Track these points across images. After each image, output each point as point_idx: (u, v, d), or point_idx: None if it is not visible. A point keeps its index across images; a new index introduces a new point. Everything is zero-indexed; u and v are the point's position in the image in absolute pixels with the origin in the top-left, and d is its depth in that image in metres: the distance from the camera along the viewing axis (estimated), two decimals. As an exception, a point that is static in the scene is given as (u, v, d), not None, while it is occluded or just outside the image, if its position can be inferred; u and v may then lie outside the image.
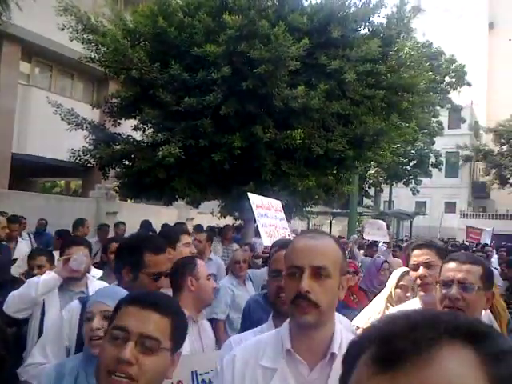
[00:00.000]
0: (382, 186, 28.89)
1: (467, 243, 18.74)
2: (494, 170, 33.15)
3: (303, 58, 8.90)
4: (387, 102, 10.26)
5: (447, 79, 27.55)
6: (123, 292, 1.98)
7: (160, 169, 8.93)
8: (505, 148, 32.48)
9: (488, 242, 16.92)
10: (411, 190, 29.50)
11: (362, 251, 10.38)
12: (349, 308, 4.73)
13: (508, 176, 32.61)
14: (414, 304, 2.64)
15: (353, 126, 9.70)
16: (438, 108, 27.48)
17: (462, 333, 0.61)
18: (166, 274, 2.49)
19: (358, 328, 2.91)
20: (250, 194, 6.42)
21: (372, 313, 3.35)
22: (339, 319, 2.29)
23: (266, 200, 6.57)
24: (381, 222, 8.93)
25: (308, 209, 15.86)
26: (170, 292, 2.70)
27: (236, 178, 9.43)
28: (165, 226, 10.27)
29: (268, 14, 8.87)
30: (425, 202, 38.40)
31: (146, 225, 9.18)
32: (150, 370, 1.39)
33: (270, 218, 6.48)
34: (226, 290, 5.28)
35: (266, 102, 8.90)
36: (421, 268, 2.49)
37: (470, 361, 0.59)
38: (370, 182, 26.47)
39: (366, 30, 10.41)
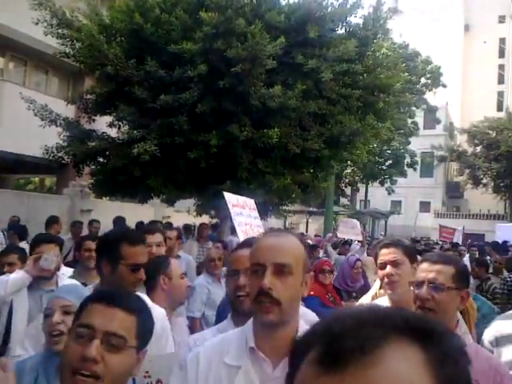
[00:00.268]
0: (359, 185, 29.18)
1: (440, 242, 19.02)
2: (467, 171, 33.72)
3: (280, 57, 8.93)
4: (363, 101, 10.36)
5: (423, 80, 27.98)
6: (84, 289, 1.96)
7: (135, 166, 8.86)
8: (478, 149, 33.06)
9: (460, 241, 17.21)
10: (386, 189, 29.86)
11: (337, 250, 10.47)
12: (326, 307, 4.77)
13: (481, 176, 33.21)
14: (383, 302, 2.67)
15: (329, 126, 9.77)
16: (414, 109, 27.88)
17: (410, 330, 0.60)
18: (144, 266, 2.47)
19: None
20: (225, 193, 6.43)
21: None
22: (306, 316, 2.31)
23: (240, 199, 6.59)
24: (354, 220, 9.03)
25: (284, 207, 15.94)
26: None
27: (212, 176, 9.41)
28: (139, 223, 10.19)
29: (245, 11, 8.86)
30: (400, 202, 38.91)
31: (119, 221, 9.09)
32: (116, 368, 1.39)
33: (245, 216, 6.51)
34: (201, 288, 5.28)
35: (243, 101, 8.90)
36: (388, 266, 2.53)
37: (417, 360, 0.58)
38: (347, 181, 26.72)
39: (343, 30, 10.49)
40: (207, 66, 8.36)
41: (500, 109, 41.26)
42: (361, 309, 0.65)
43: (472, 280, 7.43)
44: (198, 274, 6.46)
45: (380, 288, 3.42)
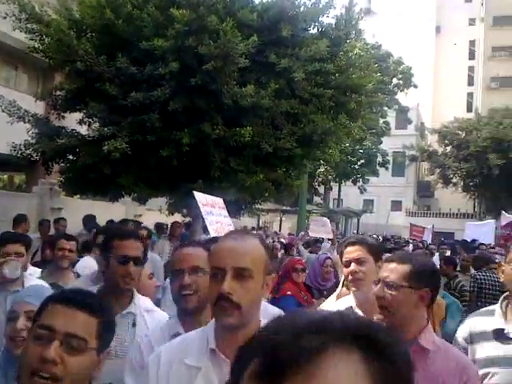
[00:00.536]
0: (332, 184, 29.43)
1: (411, 240, 19.35)
2: (438, 170, 34.32)
3: (253, 56, 8.93)
4: (335, 101, 10.44)
5: (395, 81, 28.37)
6: (50, 291, 1.92)
7: (105, 164, 8.74)
8: (448, 149, 33.68)
9: (429, 240, 17.53)
10: (359, 188, 30.19)
11: (308, 248, 10.54)
12: (301, 305, 4.80)
13: (451, 176, 33.84)
14: (349, 300, 2.70)
15: (301, 125, 9.82)
16: (386, 109, 28.25)
17: (351, 339, 0.58)
18: (135, 260, 2.43)
19: None
20: (195, 193, 6.44)
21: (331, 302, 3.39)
22: (272, 315, 2.30)
23: (210, 198, 6.62)
24: (325, 219, 9.10)
25: (258, 206, 15.97)
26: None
27: (184, 174, 9.35)
28: (110, 222, 10.06)
29: (217, 9, 8.83)
30: (372, 201, 39.37)
31: (89, 220, 8.96)
32: (75, 369, 1.37)
33: (215, 215, 6.55)
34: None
35: (216, 99, 8.87)
36: (352, 264, 2.56)
37: (357, 370, 0.57)
38: (320, 180, 26.92)
39: (316, 30, 10.56)
40: (179, 64, 8.30)
41: (470, 110, 42.13)
42: (301, 315, 0.63)
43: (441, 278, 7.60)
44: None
45: (342, 286, 3.45)
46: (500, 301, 1.97)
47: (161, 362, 1.53)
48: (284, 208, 22.38)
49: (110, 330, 1.53)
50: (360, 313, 2.57)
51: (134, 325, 2.38)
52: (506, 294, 1.97)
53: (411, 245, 15.92)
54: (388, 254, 5.34)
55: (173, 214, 10.94)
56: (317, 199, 30.27)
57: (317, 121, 9.74)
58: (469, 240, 15.57)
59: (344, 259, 2.64)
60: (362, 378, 0.56)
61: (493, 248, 14.27)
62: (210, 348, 1.48)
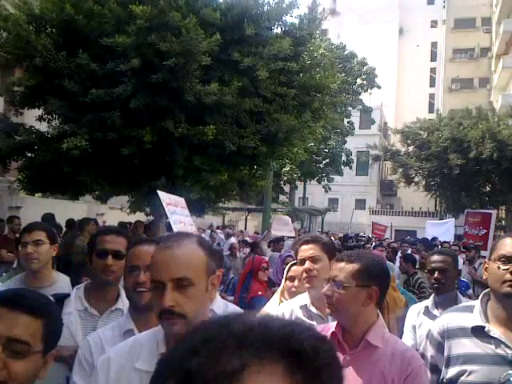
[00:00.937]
0: (297, 183, 29.63)
1: (373, 238, 19.70)
2: (400, 170, 34.91)
3: (216, 54, 8.92)
4: (299, 101, 10.52)
5: (359, 81, 28.72)
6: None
7: (65, 162, 8.57)
8: (411, 148, 34.26)
9: (390, 237, 17.90)
10: (323, 187, 30.48)
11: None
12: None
13: (413, 175, 34.49)
14: (304, 298, 2.73)
15: (266, 123, 9.85)
16: (350, 109, 28.60)
17: (273, 350, 0.56)
18: (115, 253, 2.40)
19: None
20: (159, 192, 6.42)
21: (269, 308, 3.40)
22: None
23: (173, 197, 6.60)
24: (287, 217, 9.18)
25: (223, 204, 15.94)
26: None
27: (147, 172, 9.26)
28: (70, 221, 9.88)
29: (179, 6, 8.77)
30: (337, 199, 39.92)
31: (48, 219, 8.77)
32: (20, 374, 1.34)
33: (179, 214, 6.54)
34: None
35: (178, 97, 8.82)
36: (307, 262, 2.59)
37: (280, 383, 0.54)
38: (285, 178, 27.07)
39: (279, 30, 10.61)
40: (140, 60, 8.21)
41: (431, 111, 43.04)
42: (222, 326, 0.59)
43: (401, 275, 7.75)
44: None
45: (286, 280, 3.48)
46: (480, 298, 1.97)
47: (110, 366, 1.51)
48: (249, 207, 22.42)
49: (56, 332, 1.50)
50: (314, 310, 2.62)
51: None
52: (487, 290, 1.96)
53: (374, 243, 16.17)
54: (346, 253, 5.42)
55: (135, 213, 10.80)
56: (283, 198, 30.46)
57: (281, 119, 9.80)
58: (429, 238, 15.97)
59: (299, 257, 2.68)
60: None
61: (454, 246, 14.70)
62: (159, 352, 1.47)
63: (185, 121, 8.96)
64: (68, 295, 2.49)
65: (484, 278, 1.97)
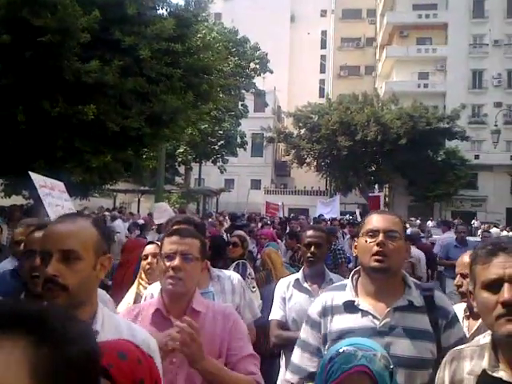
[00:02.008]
0: (192, 164, 29.60)
1: (267, 217, 20.25)
2: (293, 151, 36.20)
3: (97, 33, 8.67)
4: (186, 82, 10.54)
5: (252, 65, 29.13)
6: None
7: None
8: (302, 131, 35.60)
9: (281, 215, 18.58)
10: (219, 168, 30.78)
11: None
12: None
13: (305, 156, 35.91)
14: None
15: (151, 104, 9.78)
16: (244, 92, 28.99)
17: (17, 323, 0.58)
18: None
19: None
20: (31, 174, 6.17)
21: (129, 296, 3.30)
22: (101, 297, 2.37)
23: (49, 180, 6.38)
24: (164, 204, 9.24)
25: (113, 186, 15.55)
26: None
27: (23, 154, 8.83)
28: None
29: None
30: (233, 180, 40.47)
31: None
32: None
33: (55, 198, 6.34)
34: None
35: (57, 75, 8.48)
36: None
37: (21, 355, 0.56)
38: (180, 160, 26.93)
39: (164, 11, 10.54)
40: (11, 36, 7.76)
41: (322, 95, 44.79)
42: None
43: (287, 251, 8.12)
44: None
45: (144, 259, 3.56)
46: (351, 275, 2.01)
47: None
48: (142, 188, 22.04)
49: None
50: None
51: None
52: (358, 268, 2.01)
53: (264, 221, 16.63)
54: (238, 231, 5.57)
55: (10, 197, 10.24)
56: (178, 179, 30.30)
57: (166, 100, 9.77)
58: (317, 215, 16.80)
59: None
60: (23, 365, 0.56)
61: (339, 221, 15.62)
62: None
63: (63, 100, 8.63)
64: None
65: (354, 254, 2.05)
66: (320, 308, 1.98)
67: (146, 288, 3.04)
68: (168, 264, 1.96)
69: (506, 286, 1.31)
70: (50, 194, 6.33)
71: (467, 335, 2.38)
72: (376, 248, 1.85)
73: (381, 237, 1.86)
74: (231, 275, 3.02)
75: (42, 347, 0.57)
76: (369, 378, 1.33)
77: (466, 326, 2.56)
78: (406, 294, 1.89)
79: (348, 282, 1.99)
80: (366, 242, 1.89)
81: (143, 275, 3.28)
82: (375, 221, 1.92)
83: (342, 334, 1.82)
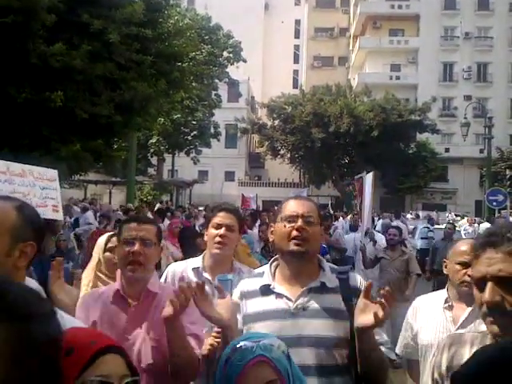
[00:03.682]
0: (165, 155, 29.22)
1: (243, 209, 20.15)
2: (267, 143, 36.04)
3: (64, 15, 8.36)
4: (157, 69, 10.30)
5: (225, 54, 28.74)
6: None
7: None
8: (276, 122, 35.50)
9: (254, 207, 18.53)
10: (192, 159, 30.47)
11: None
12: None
13: (279, 148, 35.83)
14: (196, 261, 2.77)
15: (121, 91, 9.51)
16: (217, 81, 28.64)
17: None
18: None
19: None
20: None
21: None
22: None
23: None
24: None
25: (83, 177, 15.19)
26: None
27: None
28: None
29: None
30: (207, 171, 40.09)
31: None
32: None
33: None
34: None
35: (22, 60, 8.14)
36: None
37: None
38: (152, 151, 26.54)
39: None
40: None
41: (295, 86, 44.79)
42: None
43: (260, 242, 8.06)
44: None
45: (105, 251, 3.35)
46: (270, 262, 2.06)
47: None
48: (114, 179, 21.64)
49: None
50: (206, 275, 2.64)
51: None
52: (276, 256, 2.05)
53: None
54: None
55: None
56: (151, 171, 29.90)
57: (137, 87, 9.51)
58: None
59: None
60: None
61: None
62: None
63: (30, 86, 8.31)
64: None
65: (271, 240, 2.07)
66: (239, 294, 2.04)
67: (104, 282, 2.84)
68: (127, 249, 2.04)
69: (488, 285, 1.27)
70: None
71: (451, 327, 2.40)
72: (295, 233, 1.89)
73: (299, 222, 1.90)
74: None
75: (4, 321, 0.58)
76: (268, 365, 1.36)
77: (450, 316, 2.47)
78: (321, 276, 1.94)
79: (266, 268, 2.04)
80: (285, 227, 1.92)
81: (103, 268, 3.04)
82: (293, 206, 1.97)
83: (258, 317, 1.90)
